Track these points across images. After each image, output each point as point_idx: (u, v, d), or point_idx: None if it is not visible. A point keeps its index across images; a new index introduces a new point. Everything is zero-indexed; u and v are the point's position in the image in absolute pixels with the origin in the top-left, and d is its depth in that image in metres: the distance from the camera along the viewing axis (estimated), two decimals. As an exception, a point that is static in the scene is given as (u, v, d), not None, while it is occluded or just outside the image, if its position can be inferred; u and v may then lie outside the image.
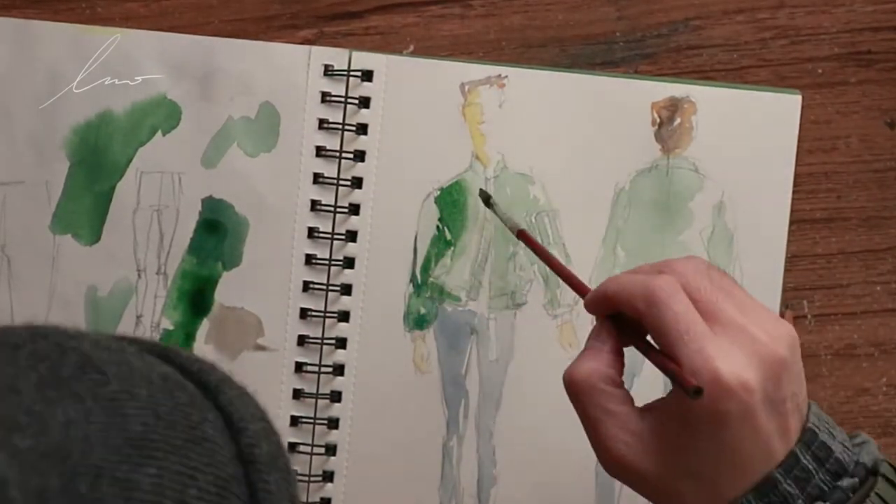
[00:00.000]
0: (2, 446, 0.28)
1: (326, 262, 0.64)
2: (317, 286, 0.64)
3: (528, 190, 0.64)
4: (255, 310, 0.64)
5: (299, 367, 0.64)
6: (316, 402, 0.64)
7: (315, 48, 0.64)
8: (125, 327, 0.64)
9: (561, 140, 0.64)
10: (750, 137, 0.64)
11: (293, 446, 0.64)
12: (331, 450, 0.64)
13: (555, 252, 0.62)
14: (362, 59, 0.64)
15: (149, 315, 0.64)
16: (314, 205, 0.64)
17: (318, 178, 0.64)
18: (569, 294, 0.63)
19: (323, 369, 0.64)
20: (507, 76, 0.64)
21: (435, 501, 0.64)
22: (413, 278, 0.64)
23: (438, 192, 0.64)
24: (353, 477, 0.64)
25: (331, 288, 0.64)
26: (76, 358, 0.31)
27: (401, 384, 0.64)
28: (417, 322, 0.64)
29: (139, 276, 0.64)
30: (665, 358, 0.45)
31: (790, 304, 0.64)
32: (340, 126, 0.64)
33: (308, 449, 0.64)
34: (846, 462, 0.45)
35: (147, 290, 0.64)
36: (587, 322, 0.61)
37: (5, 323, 0.34)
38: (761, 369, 0.44)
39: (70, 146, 0.64)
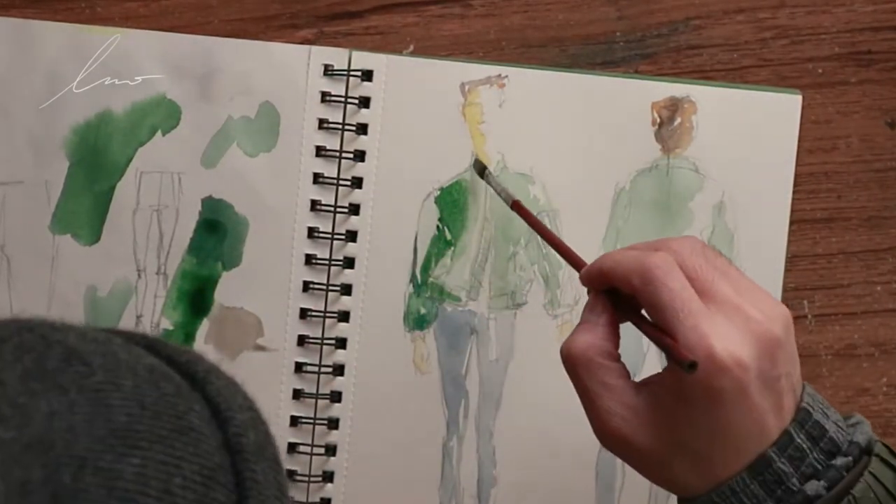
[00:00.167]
0: None
1: (326, 262, 0.64)
2: (317, 286, 0.64)
3: (529, 190, 0.64)
4: (255, 310, 0.64)
5: (299, 367, 0.64)
6: (316, 403, 0.64)
7: (315, 48, 0.64)
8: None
9: (561, 140, 0.64)
10: (750, 137, 0.64)
11: (293, 446, 0.64)
12: (331, 450, 0.64)
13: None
14: (362, 59, 0.64)
15: (148, 315, 0.64)
16: (314, 205, 0.64)
17: (318, 178, 0.64)
18: (569, 294, 0.63)
19: (323, 369, 0.64)
20: (507, 76, 0.64)
21: (435, 501, 0.64)
22: (413, 278, 0.64)
23: (438, 192, 0.64)
24: (353, 477, 0.64)
25: (331, 288, 0.64)
26: (61, 350, 0.31)
27: (401, 384, 0.64)
28: (417, 322, 0.64)
29: (139, 276, 0.64)
30: (660, 332, 0.45)
31: (790, 304, 0.64)
32: (340, 126, 0.64)
33: (308, 449, 0.64)
34: (840, 441, 0.45)
35: (147, 290, 0.64)
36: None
37: None
38: (756, 347, 0.44)
39: (70, 146, 0.64)
